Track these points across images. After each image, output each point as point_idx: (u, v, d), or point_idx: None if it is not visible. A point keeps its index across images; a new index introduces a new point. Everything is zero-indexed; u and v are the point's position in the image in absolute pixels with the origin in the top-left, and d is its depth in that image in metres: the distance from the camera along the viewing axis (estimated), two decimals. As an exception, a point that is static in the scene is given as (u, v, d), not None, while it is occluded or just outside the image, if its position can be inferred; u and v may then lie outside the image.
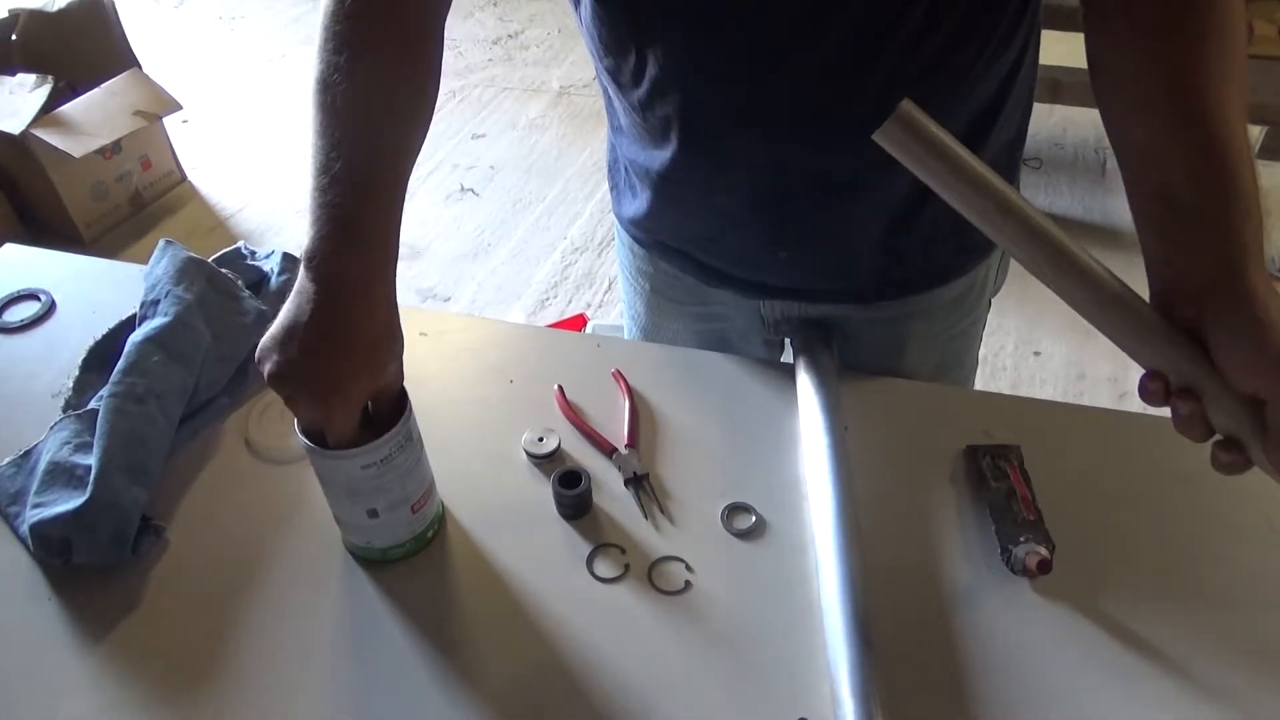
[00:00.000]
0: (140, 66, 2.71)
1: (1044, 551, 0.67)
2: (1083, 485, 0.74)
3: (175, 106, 2.60)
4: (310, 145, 0.63)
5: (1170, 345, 0.55)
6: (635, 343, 1.02)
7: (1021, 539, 0.68)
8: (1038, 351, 2.15)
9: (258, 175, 2.93)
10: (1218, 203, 0.54)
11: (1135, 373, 0.56)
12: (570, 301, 2.37)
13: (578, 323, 2.25)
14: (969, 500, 0.74)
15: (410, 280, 2.47)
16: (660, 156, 0.79)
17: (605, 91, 0.82)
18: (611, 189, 0.94)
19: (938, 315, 0.89)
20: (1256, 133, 2.82)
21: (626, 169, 0.88)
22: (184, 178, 2.83)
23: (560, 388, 0.84)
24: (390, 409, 0.65)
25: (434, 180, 2.86)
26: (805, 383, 0.80)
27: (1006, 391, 1.89)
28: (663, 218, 0.87)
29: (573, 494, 0.73)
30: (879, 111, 0.53)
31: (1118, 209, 2.59)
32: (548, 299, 2.39)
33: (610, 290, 2.40)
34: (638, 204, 0.87)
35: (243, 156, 3.03)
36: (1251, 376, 0.52)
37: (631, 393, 0.83)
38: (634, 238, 0.94)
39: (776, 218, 0.80)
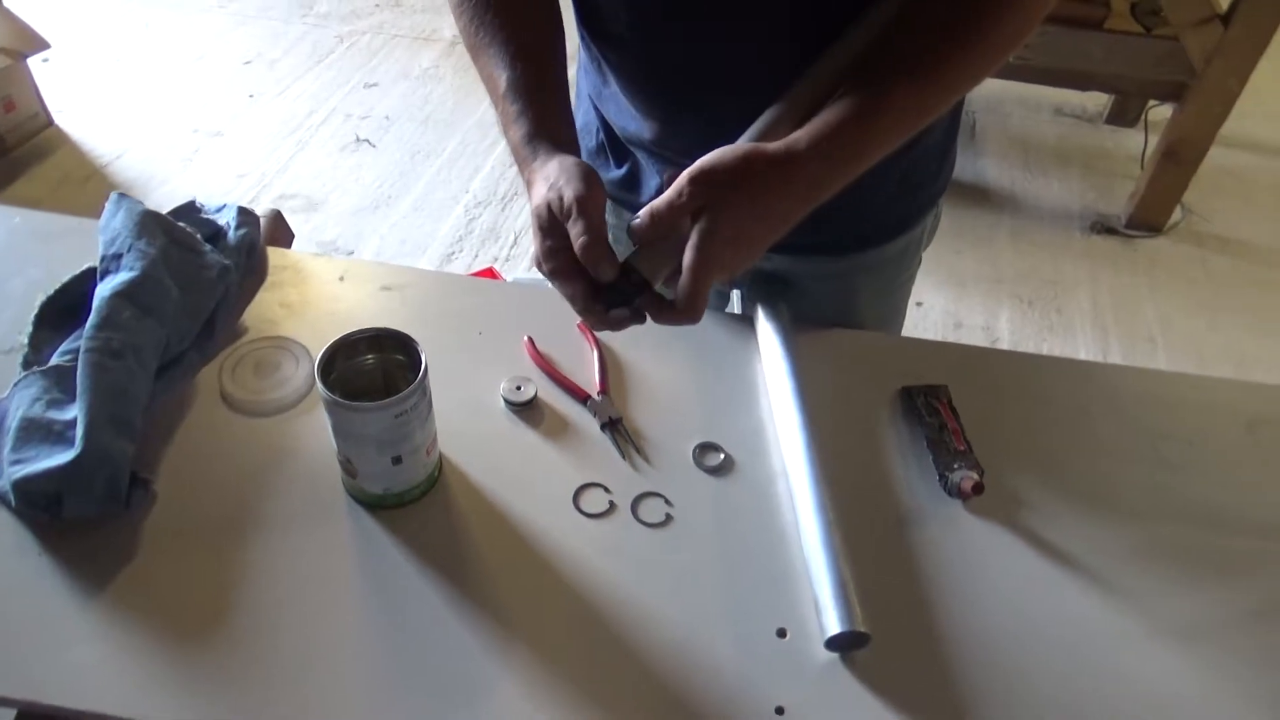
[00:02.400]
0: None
1: (976, 476, 0.77)
2: (1003, 418, 0.85)
3: (43, 44, 2.43)
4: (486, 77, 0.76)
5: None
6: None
7: (956, 466, 0.78)
8: (919, 302, 2.31)
9: (133, 120, 2.77)
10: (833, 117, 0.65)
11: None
12: (476, 256, 2.38)
13: (487, 277, 2.26)
14: (907, 435, 0.83)
15: (309, 233, 2.41)
16: (650, 126, 0.83)
17: (597, 56, 0.85)
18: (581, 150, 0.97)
19: (886, 268, 0.97)
20: (1105, 101, 3.07)
21: (606, 133, 0.92)
22: (51, 121, 2.65)
23: (530, 338, 0.88)
24: None
25: (327, 129, 2.78)
26: (766, 330, 0.87)
27: (896, 340, 2.03)
28: (645, 184, 0.91)
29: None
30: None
31: (987, 168, 2.78)
32: (454, 253, 2.39)
33: (516, 244, 2.41)
34: (619, 171, 0.92)
35: (115, 99, 2.85)
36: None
37: (599, 342, 0.89)
38: (609, 195, 0.97)
39: None
